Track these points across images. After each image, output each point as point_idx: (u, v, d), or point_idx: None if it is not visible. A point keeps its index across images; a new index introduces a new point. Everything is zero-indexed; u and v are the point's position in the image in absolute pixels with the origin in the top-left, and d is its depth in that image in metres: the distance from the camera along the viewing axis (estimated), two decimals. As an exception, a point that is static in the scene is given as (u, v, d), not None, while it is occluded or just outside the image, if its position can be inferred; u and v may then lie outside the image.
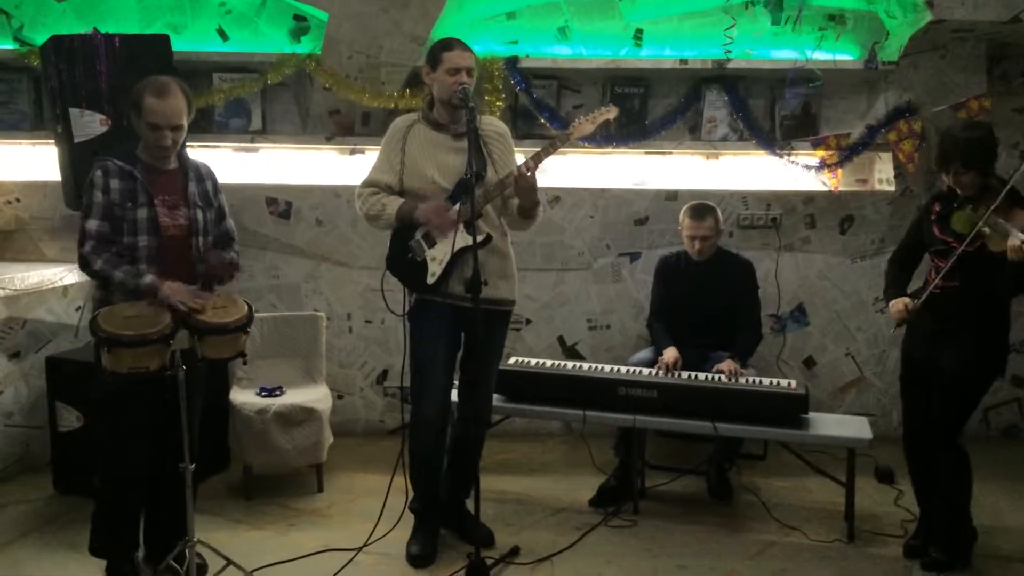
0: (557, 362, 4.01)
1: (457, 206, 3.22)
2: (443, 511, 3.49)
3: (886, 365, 4.80)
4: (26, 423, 4.14)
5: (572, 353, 4.81)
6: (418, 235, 3.29)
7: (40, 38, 4.33)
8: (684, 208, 4.16)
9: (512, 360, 4.05)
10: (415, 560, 3.34)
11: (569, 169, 4.82)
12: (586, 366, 3.94)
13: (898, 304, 3.31)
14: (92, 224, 2.94)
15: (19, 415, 4.11)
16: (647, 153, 4.79)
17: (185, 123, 3.00)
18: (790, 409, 3.57)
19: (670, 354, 3.94)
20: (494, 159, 3.30)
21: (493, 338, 3.39)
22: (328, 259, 4.71)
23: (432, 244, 3.28)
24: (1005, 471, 4.22)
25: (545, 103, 4.62)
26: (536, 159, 3.22)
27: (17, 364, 4.09)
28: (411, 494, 3.48)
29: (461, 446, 3.49)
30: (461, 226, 3.20)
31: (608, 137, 4.67)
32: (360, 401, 4.79)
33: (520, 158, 3.37)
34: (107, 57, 3.89)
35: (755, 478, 4.14)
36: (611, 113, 3.34)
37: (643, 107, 4.73)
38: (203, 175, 3.14)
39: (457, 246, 3.20)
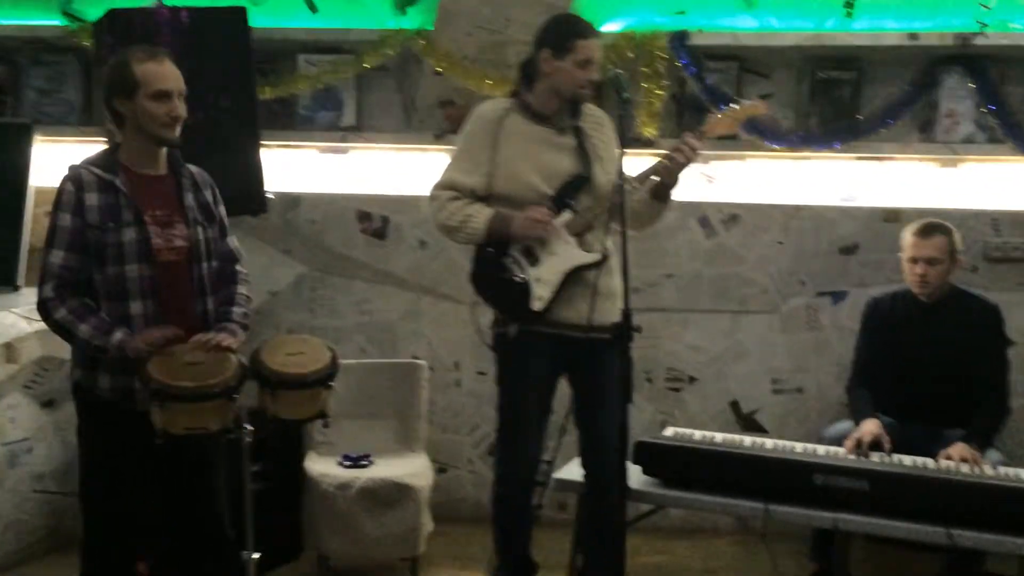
0: (730, 436, 3.93)
1: (566, 215, 3.40)
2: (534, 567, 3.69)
3: None
4: (60, 489, 4.35)
5: (750, 424, 4.74)
6: (515, 250, 3.42)
7: (94, 12, 4.61)
8: (908, 225, 4.07)
9: (669, 431, 3.99)
10: None
11: (751, 179, 4.79)
12: (769, 443, 3.85)
13: None
14: (56, 258, 2.92)
15: (51, 479, 4.33)
16: (859, 158, 4.72)
17: None
18: (1059, 514, 3.35)
19: (868, 427, 3.82)
20: (600, 156, 3.47)
21: (613, 373, 3.36)
22: (433, 291, 4.78)
23: (535, 262, 3.40)
24: None
25: (721, 92, 4.60)
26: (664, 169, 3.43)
27: (51, 415, 4.31)
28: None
29: (598, 526, 3.55)
30: (573, 240, 3.40)
31: (806, 137, 4.62)
32: (469, 476, 4.82)
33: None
34: (173, 35, 4.11)
35: (1005, 607, 3.92)
36: (758, 109, 3.59)
37: (855, 97, 4.66)
38: (201, 183, 3.19)
39: (571, 264, 3.37)
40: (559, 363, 3.52)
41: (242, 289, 3.23)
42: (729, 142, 4.65)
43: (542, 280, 3.39)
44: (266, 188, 4.20)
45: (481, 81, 4.56)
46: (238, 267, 3.26)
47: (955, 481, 3.49)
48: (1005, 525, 3.37)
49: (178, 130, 3.04)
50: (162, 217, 3.02)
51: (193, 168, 3.21)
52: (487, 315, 3.52)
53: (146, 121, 3.00)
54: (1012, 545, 3.41)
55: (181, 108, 3.02)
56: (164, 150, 3.08)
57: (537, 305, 3.38)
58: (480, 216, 3.40)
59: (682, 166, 3.42)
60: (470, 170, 3.45)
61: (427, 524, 4.06)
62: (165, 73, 3.00)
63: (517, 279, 3.40)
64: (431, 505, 4.11)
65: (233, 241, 3.29)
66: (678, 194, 3.64)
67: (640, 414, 4.68)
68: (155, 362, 2.91)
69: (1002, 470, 3.58)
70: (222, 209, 3.25)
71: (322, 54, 4.76)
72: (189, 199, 3.10)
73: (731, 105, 3.59)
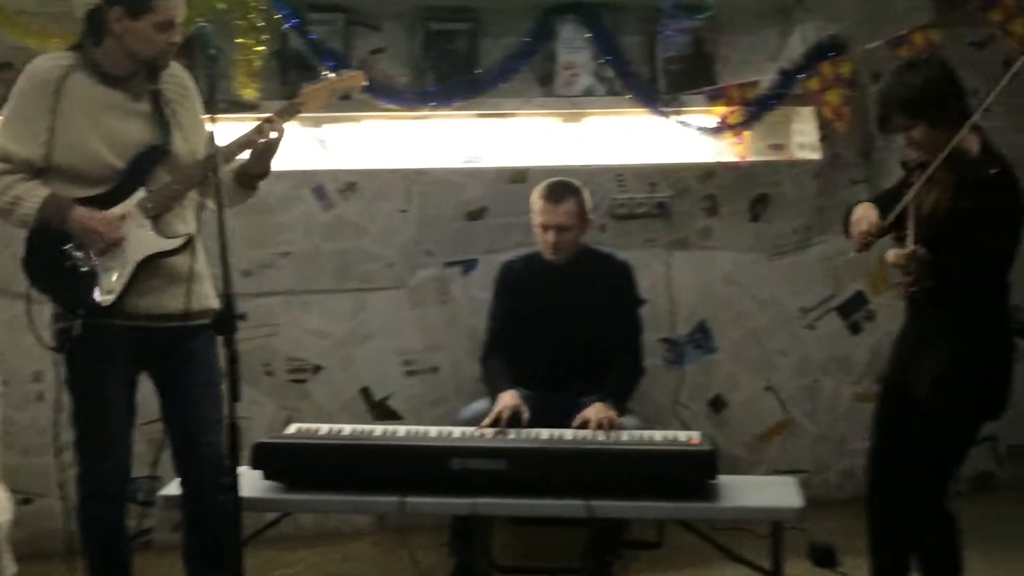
0: (360, 427, 3.98)
1: (139, 194, 3.29)
2: None
3: (820, 400, 5.04)
4: None
5: (383, 411, 4.80)
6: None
7: None
8: (536, 188, 4.25)
9: (292, 428, 3.98)
10: None
11: (367, 142, 4.82)
12: (402, 430, 3.93)
13: (862, 216, 3.40)
14: None
15: None
16: (480, 116, 4.85)
17: None
18: (691, 473, 3.63)
19: (505, 402, 3.98)
20: (181, 124, 3.40)
21: (203, 364, 3.45)
22: (2, 291, 4.46)
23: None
24: (981, 538, 4.46)
25: (328, 48, 4.58)
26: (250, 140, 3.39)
27: None
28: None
29: (204, 542, 3.49)
30: (149, 223, 3.30)
31: (423, 94, 4.69)
32: (61, 504, 4.52)
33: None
34: None
35: (648, 573, 4.22)
36: (354, 81, 3.63)
37: (472, 50, 4.78)
38: None
39: (145, 252, 3.28)
40: (137, 360, 3.43)
41: None
42: (341, 102, 4.62)
43: (111, 269, 3.27)
44: None
45: (45, 40, 4.29)
46: None
47: (592, 450, 3.71)
48: (642, 491, 3.61)
49: None
50: None
51: None
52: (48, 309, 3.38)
53: None
54: (650, 510, 3.68)
55: None
56: None
57: (106, 299, 3.26)
58: (32, 199, 3.22)
59: (269, 151, 3.42)
60: (24, 138, 3.26)
61: (9, 567, 3.81)
62: None
63: (82, 268, 3.27)
64: (14, 543, 3.86)
65: None
66: (289, 163, 3.65)
67: (261, 411, 4.62)
68: None
69: (637, 434, 3.83)
70: None
71: None
72: None
73: (326, 75, 3.63)
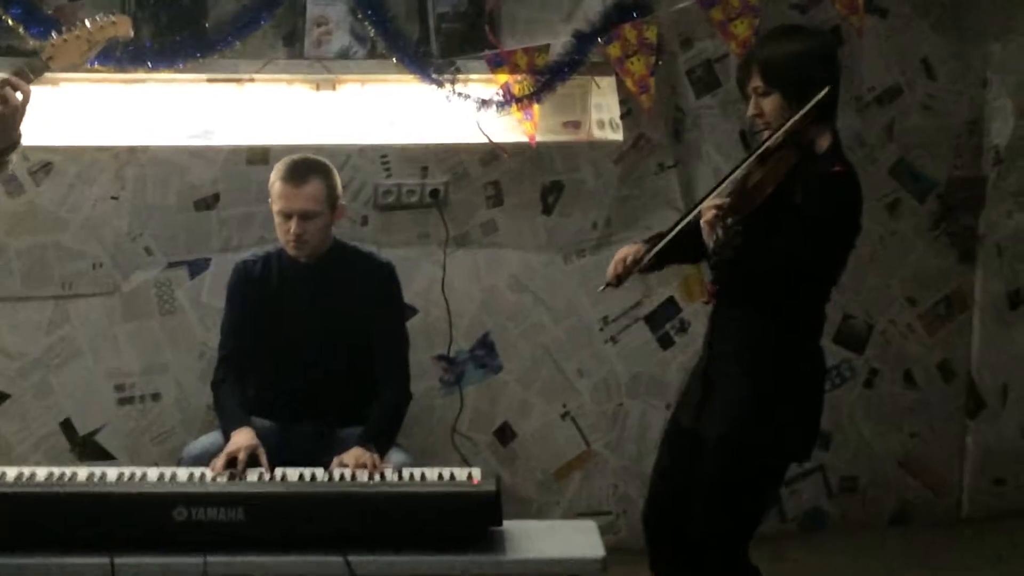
0: (59, 470, 3.83)
1: None
2: None
3: (626, 428, 5.13)
4: None
5: (90, 449, 4.71)
6: None
7: None
8: (275, 167, 4.22)
9: (-33, 473, 3.84)
10: None
11: (68, 112, 4.72)
12: (114, 472, 3.83)
13: (622, 252, 3.56)
14: None
15: None
16: (211, 81, 4.81)
17: None
18: (471, 519, 3.64)
19: (241, 439, 3.93)
20: None
21: None
22: None
23: None
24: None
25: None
26: None
27: None
28: None
29: None
30: None
31: (137, 53, 4.57)
32: None
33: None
34: None
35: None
36: (118, 28, 3.50)
37: (199, 0, 4.70)
38: None
39: None
40: None
41: None
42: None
43: None
44: None
45: None
46: None
47: (350, 494, 3.68)
48: (412, 542, 3.61)
49: None
50: None
51: None
52: None
53: None
54: (421, 565, 3.63)
55: None
56: None
57: None
58: None
59: (11, 120, 3.26)
60: None
61: None
62: None
63: None
64: None
65: None
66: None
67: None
68: None
69: (406, 472, 3.82)
70: None
71: None
72: None
73: (83, 23, 3.45)
